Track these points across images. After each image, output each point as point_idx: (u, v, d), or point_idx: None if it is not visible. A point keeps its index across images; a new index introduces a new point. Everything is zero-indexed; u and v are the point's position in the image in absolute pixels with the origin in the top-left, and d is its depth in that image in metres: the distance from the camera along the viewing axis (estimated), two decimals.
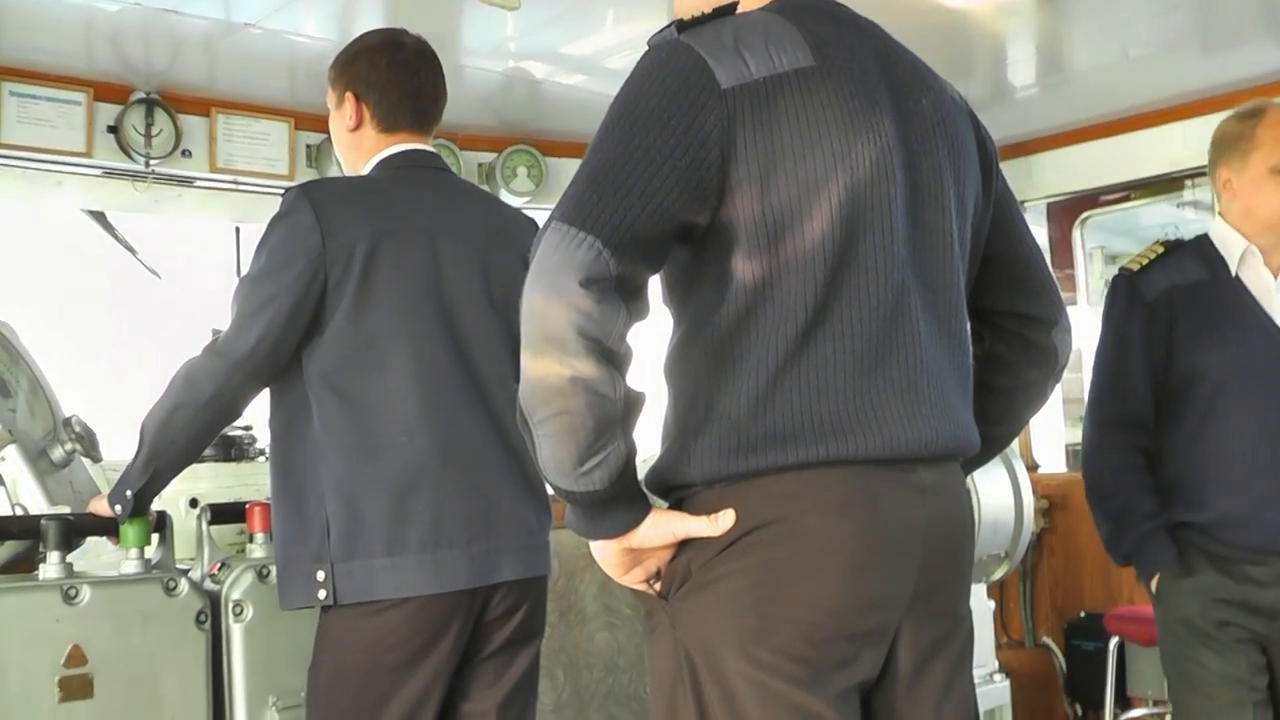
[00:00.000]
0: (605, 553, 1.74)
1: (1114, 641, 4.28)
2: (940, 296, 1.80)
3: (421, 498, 2.51)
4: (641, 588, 1.80)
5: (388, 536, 2.49)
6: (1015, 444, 4.81)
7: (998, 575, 3.55)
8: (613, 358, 1.58)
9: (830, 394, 1.67)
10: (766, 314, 1.67)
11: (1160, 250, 3.09)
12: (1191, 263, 3.04)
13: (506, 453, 2.64)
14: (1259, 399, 2.89)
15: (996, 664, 3.98)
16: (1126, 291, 3.06)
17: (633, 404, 1.62)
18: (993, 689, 3.90)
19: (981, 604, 3.91)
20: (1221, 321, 2.95)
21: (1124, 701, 4.63)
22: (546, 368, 1.56)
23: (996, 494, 3.31)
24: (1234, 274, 2.99)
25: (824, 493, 1.67)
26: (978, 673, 3.80)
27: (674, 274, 1.77)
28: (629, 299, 1.60)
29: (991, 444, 2.00)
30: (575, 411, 1.57)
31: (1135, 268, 3.08)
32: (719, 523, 1.68)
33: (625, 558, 1.74)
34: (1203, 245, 3.08)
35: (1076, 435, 5.74)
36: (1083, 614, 4.98)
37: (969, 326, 1.90)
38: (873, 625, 1.71)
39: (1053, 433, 5.74)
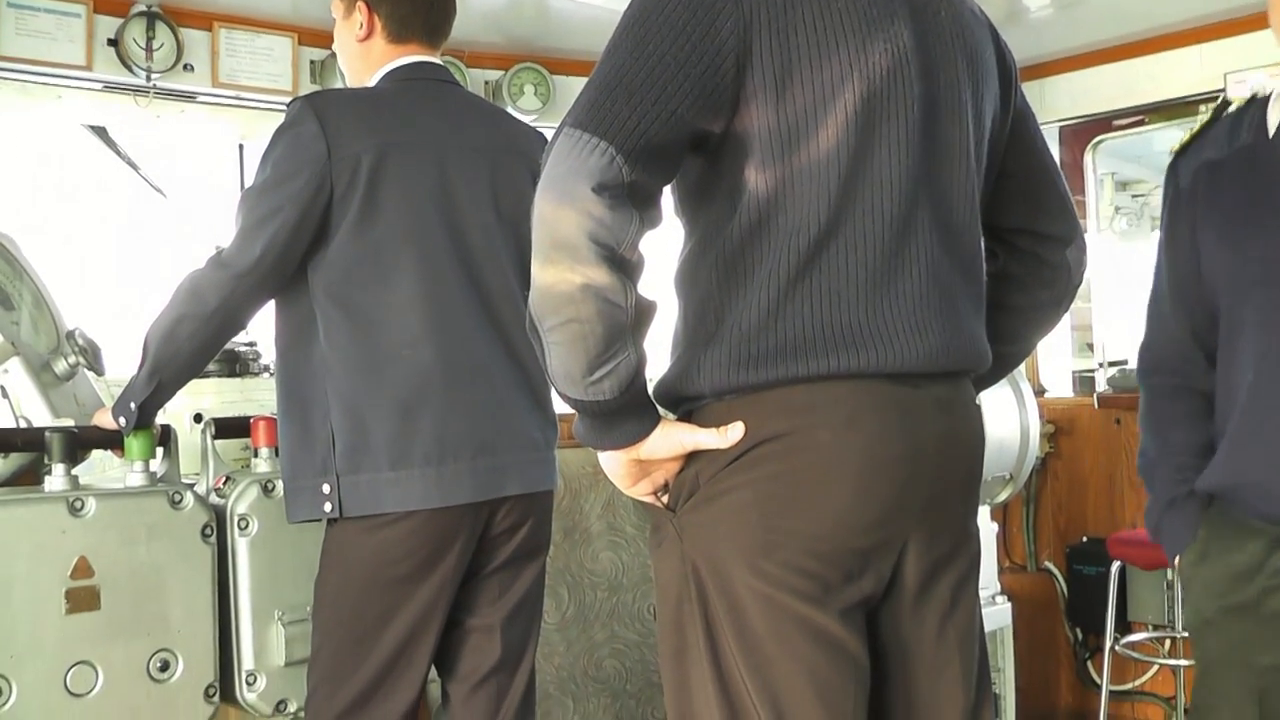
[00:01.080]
0: (613, 464, 1.75)
1: (1115, 566, 4.26)
2: (954, 211, 1.78)
3: (427, 412, 2.51)
4: (649, 500, 1.80)
5: (393, 450, 2.49)
6: (1022, 367, 4.81)
7: (1002, 497, 3.55)
8: (624, 265, 1.57)
9: (842, 306, 1.67)
10: (779, 225, 1.66)
11: (1206, 119, 2.31)
12: (1235, 130, 2.24)
13: (513, 367, 2.64)
14: None
15: (999, 586, 3.98)
16: (1168, 180, 2.33)
17: (644, 313, 1.61)
18: (994, 611, 3.91)
19: (985, 526, 3.93)
20: (1248, 207, 2.15)
21: (1124, 626, 4.64)
22: (557, 275, 1.55)
23: (1003, 416, 3.31)
24: (1271, 135, 2.16)
25: (834, 406, 1.67)
26: (982, 594, 3.83)
27: (686, 184, 1.76)
28: (641, 207, 1.59)
29: (1002, 362, 2.00)
30: (586, 319, 1.56)
31: (1178, 147, 2.34)
32: (728, 435, 1.68)
33: (633, 469, 1.74)
34: (1255, 106, 2.24)
35: (1084, 363, 5.75)
36: (1085, 539, 4.97)
37: (983, 243, 1.88)
38: (880, 540, 1.71)
39: (1060, 358, 5.71)
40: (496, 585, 2.71)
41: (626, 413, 1.67)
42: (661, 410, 1.74)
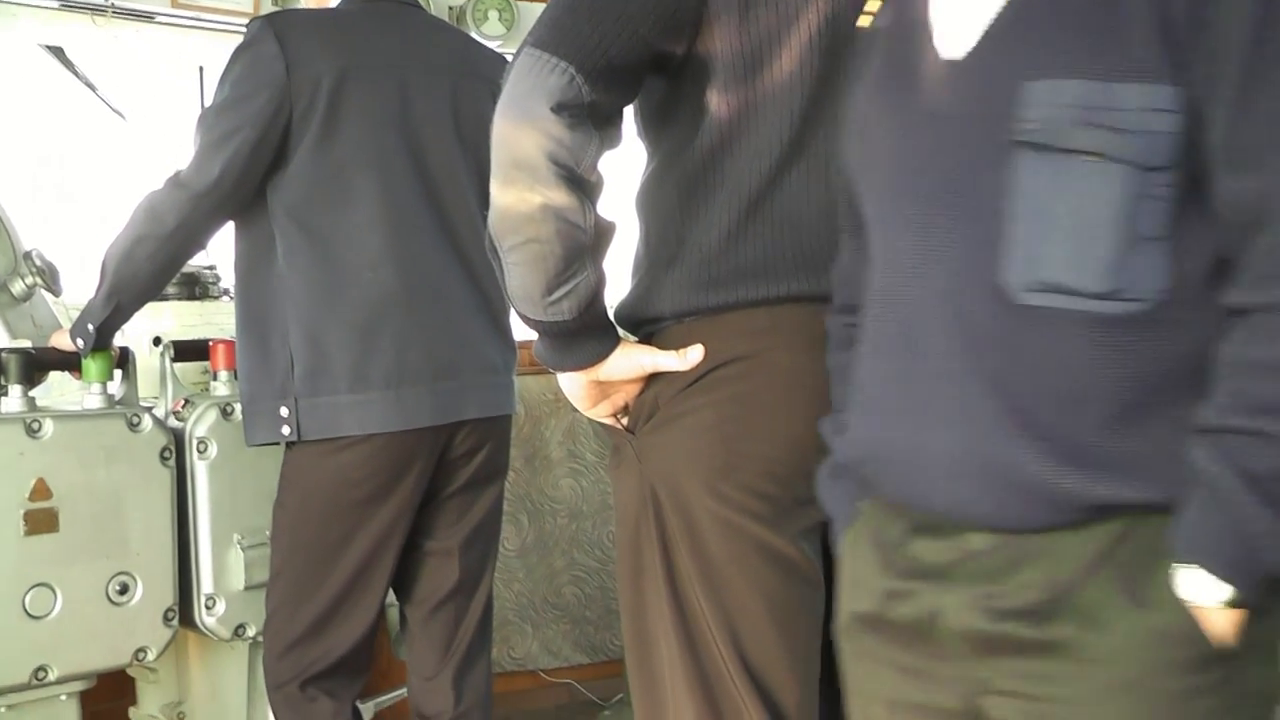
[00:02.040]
0: (573, 385, 1.75)
1: None
2: None
3: (386, 334, 2.51)
4: (609, 422, 1.81)
5: (352, 373, 2.49)
6: None
7: None
8: (584, 185, 1.56)
9: (803, 229, 1.67)
10: (741, 147, 1.66)
11: None
12: None
13: (473, 290, 2.63)
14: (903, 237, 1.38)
15: None
16: None
17: (603, 233, 1.61)
18: None
19: None
20: (873, 96, 1.48)
21: None
22: (517, 195, 1.54)
23: None
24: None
25: (794, 329, 1.68)
26: None
27: (649, 106, 1.75)
28: (602, 127, 1.57)
29: None
30: (545, 239, 1.55)
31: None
32: (688, 357, 1.68)
33: (592, 390, 1.75)
34: None
35: None
36: None
37: None
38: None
39: None
40: (455, 509, 2.72)
41: (586, 333, 1.67)
42: (622, 332, 1.74)
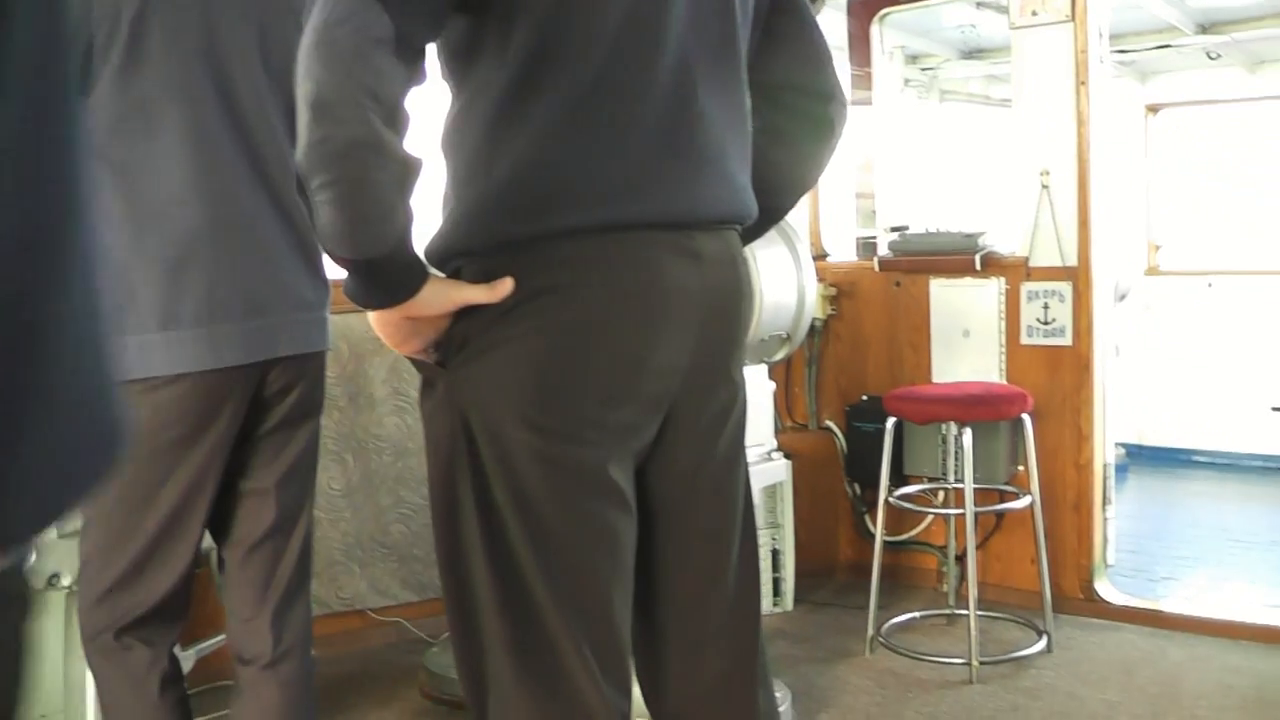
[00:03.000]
0: (383, 321, 1.74)
1: (891, 422, 4.39)
2: (722, 64, 1.81)
3: (195, 270, 2.45)
4: (420, 358, 1.81)
5: (161, 311, 2.43)
6: (802, 230, 4.92)
7: (779, 355, 3.64)
8: (392, 120, 1.55)
9: (608, 159, 1.69)
10: (545, 80, 1.67)
11: None
12: None
13: (284, 225, 2.58)
14: None
15: (775, 443, 4.07)
16: None
17: (411, 169, 1.60)
18: (771, 466, 4.00)
19: (763, 384, 4.01)
20: None
21: (902, 480, 4.83)
22: (324, 130, 1.52)
23: (779, 276, 3.37)
24: None
25: (602, 257, 1.69)
26: (756, 451, 3.95)
27: (452, 44, 1.74)
28: (408, 61, 1.57)
29: (770, 215, 2.04)
30: (353, 176, 1.54)
31: None
32: (497, 290, 1.69)
33: (404, 326, 1.74)
34: None
35: (867, 230, 5.90)
36: (864, 397, 5.15)
37: (749, 97, 1.91)
38: (651, 392, 1.76)
39: (844, 224, 5.84)
40: (270, 448, 2.68)
41: (394, 270, 1.66)
42: (433, 270, 1.74)
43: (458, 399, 1.74)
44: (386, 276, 1.66)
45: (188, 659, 2.87)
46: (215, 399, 2.50)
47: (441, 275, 1.75)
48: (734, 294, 1.86)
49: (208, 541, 2.69)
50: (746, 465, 1.97)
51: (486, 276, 1.70)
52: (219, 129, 2.50)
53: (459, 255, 1.74)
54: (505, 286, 1.68)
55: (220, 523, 2.69)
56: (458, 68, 1.75)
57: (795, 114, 2.07)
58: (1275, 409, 6.99)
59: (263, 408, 2.63)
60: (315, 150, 1.54)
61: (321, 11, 1.52)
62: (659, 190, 1.71)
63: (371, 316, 1.75)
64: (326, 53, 1.51)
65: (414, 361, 1.83)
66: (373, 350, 4.35)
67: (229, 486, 2.65)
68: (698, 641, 1.93)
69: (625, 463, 1.76)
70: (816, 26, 2.08)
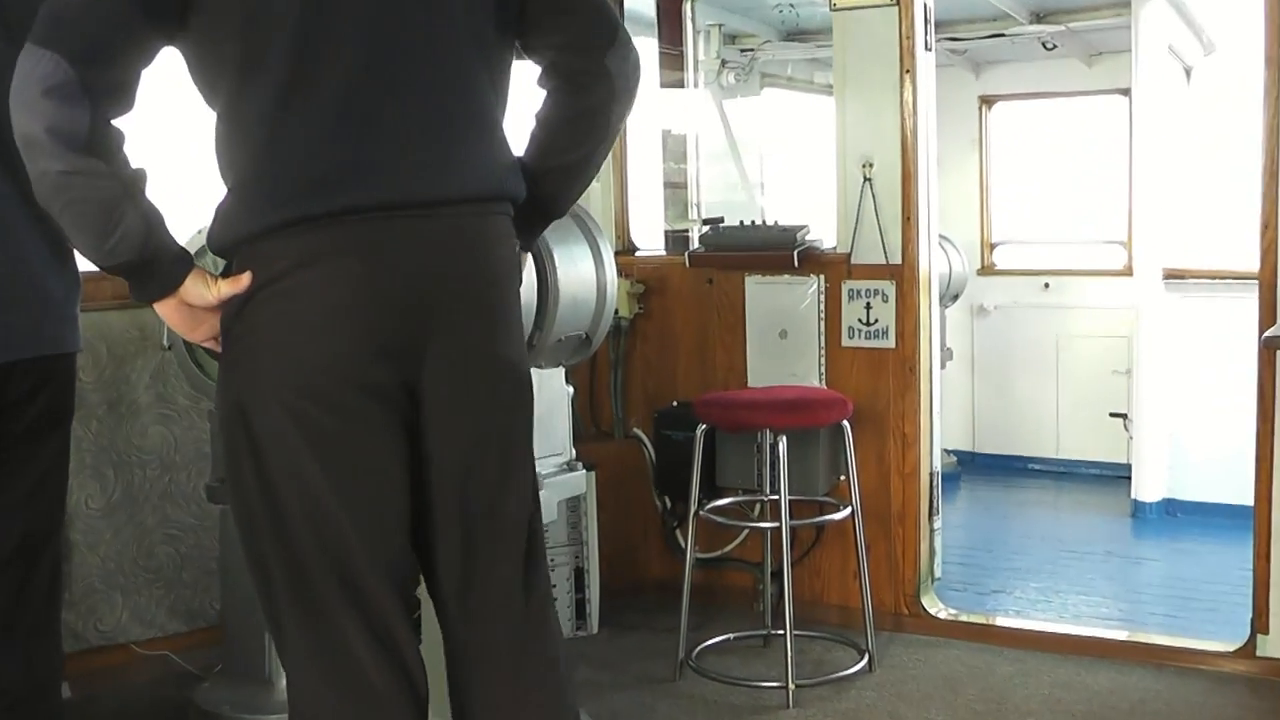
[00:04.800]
0: (165, 312, 2.10)
1: (701, 429, 4.42)
2: (439, 41, 2.07)
3: None
4: (211, 345, 2.17)
5: None
6: (605, 222, 4.98)
7: (576, 358, 3.68)
8: (94, 148, 1.90)
9: (318, 150, 2.03)
10: (254, 83, 2.01)
11: None
12: None
13: (31, 219, 2.57)
14: None
15: (574, 453, 4.07)
16: None
17: (134, 179, 1.97)
18: (571, 478, 3.98)
19: (560, 388, 4.04)
20: None
21: (715, 493, 4.81)
22: (40, 167, 1.90)
23: (577, 272, 3.41)
24: None
25: (324, 246, 2.01)
26: (554, 461, 3.97)
27: (189, 68, 2.09)
28: (105, 95, 1.92)
29: (567, 176, 2.31)
30: (78, 200, 1.92)
31: None
32: (241, 282, 2.04)
33: (186, 315, 2.09)
34: None
35: (679, 224, 5.98)
36: (674, 403, 5.17)
37: (487, 70, 2.16)
38: (382, 376, 2.06)
39: (652, 216, 5.84)
40: (15, 460, 2.65)
41: (154, 267, 2.02)
42: (201, 263, 2.13)
43: (228, 382, 2.11)
44: (148, 274, 2.03)
45: None
46: None
47: (206, 269, 2.11)
48: (479, 272, 2.13)
49: None
50: (531, 454, 2.28)
51: (239, 268, 2.05)
52: None
53: (226, 251, 2.10)
54: (246, 278, 2.03)
55: None
56: (200, 88, 2.11)
57: (566, 69, 2.27)
58: (1114, 415, 7.25)
59: (6, 415, 2.60)
60: (39, 185, 1.93)
61: (15, 74, 1.89)
62: (376, 177, 2.03)
63: (156, 309, 2.10)
64: (18, 106, 1.89)
65: (207, 351, 2.17)
66: (135, 351, 4.28)
67: None
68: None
69: (382, 436, 2.09)
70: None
